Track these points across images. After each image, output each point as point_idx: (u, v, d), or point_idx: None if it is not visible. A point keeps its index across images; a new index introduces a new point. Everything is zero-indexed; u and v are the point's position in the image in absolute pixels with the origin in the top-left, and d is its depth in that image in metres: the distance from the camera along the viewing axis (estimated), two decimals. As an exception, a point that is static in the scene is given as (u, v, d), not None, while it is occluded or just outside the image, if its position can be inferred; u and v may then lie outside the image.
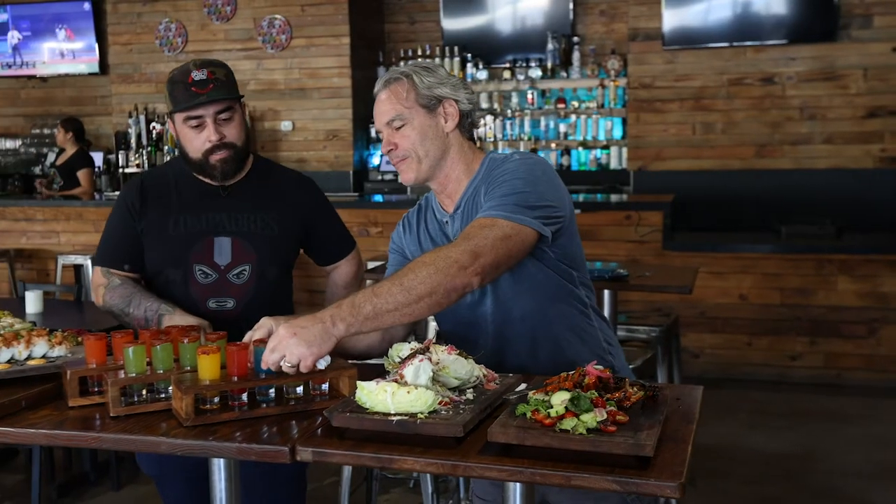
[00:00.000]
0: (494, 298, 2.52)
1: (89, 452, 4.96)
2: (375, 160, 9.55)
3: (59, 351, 2.44)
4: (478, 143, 2.64)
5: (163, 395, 2.19)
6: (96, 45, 10.25)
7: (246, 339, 2.26)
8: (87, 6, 10.20)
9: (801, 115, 8.20)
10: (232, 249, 2.90)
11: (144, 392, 2.19)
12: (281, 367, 2.10)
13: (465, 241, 2.25)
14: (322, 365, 2.16)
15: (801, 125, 8.20)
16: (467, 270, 2.19)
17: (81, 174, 8.87)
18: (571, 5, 9.10)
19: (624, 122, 8.92)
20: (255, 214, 2.95)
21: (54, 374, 2.32)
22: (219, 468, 2.18)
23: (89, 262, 7.42)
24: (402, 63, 9.47)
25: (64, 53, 10.45)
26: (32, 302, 4.95)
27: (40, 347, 2.41)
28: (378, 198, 8.28)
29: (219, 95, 2.80)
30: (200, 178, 2.96)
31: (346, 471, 3.93)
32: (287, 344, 2.09)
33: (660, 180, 8.38)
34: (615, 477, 1.76)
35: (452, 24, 9.44)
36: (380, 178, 9.37)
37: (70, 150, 9.00)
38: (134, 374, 2.15)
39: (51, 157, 10.18)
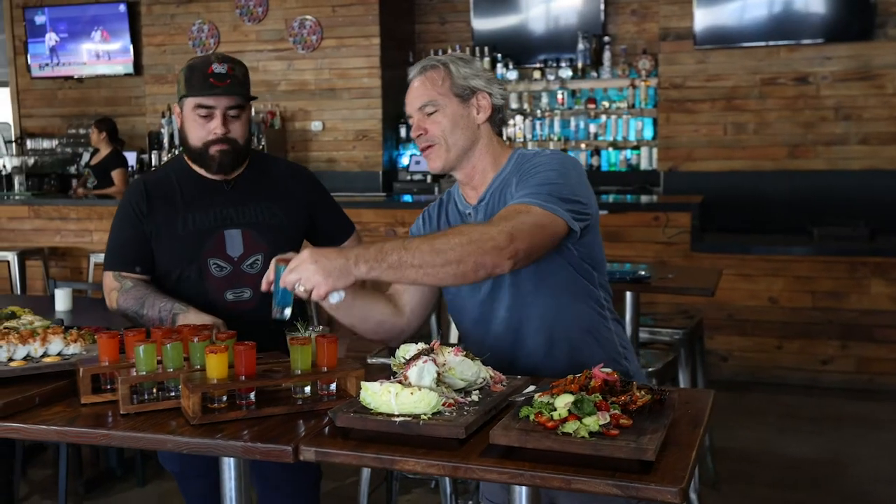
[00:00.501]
0: (513, 293, 2.51)
1: (115, 449, 5.01)
2: (405, 160, 9.57)
3: (74, 349, 2.47)
4: (507, 143, 2.64)
5: (173, 394, 2.21)
6: (131, 47, 10.35)
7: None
8: (122, 8, 10.31)
9: (835, 116, 8.12)
10: (243, 241, 2.97)
11: (155, 390, 2.21)
12: (296, 289, 2.16)
13: (503, 222, 2.24)
14: (334, 299, 2.17)
15: (836, 125, 8.11)
16: (503, 251, 2.19)
17: (115, 174, 8.95)
18: (603, 5, 9.07)
19: (654, 122, 8.88)
20: (260, 205, 3.03)
21: (69, 372, 2.35)
22: (229, 466, 2.21)
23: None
24: (433, 63, 9.48)
25: (100, 55, 10.56)
26: (62, 300, 5.00)
27: (56, 345, 2.45)
28: (407, 198, 8.30)
29: (233, 91, 2.88)
30: (202, 173, 3.03)
31: (366, 471, 3.94)
32: (306, 268, 2.13)
33: (690, 181, 8.33)
34: (616, 481, 1.75)
35: (483, 24, 9.43)
36: (409, 178, 9.39)
37: (104, 151, 9.06)
38: (144, 373, 2.17)
39: (86, 157, 10.27)
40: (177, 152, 9.30)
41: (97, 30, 10.48)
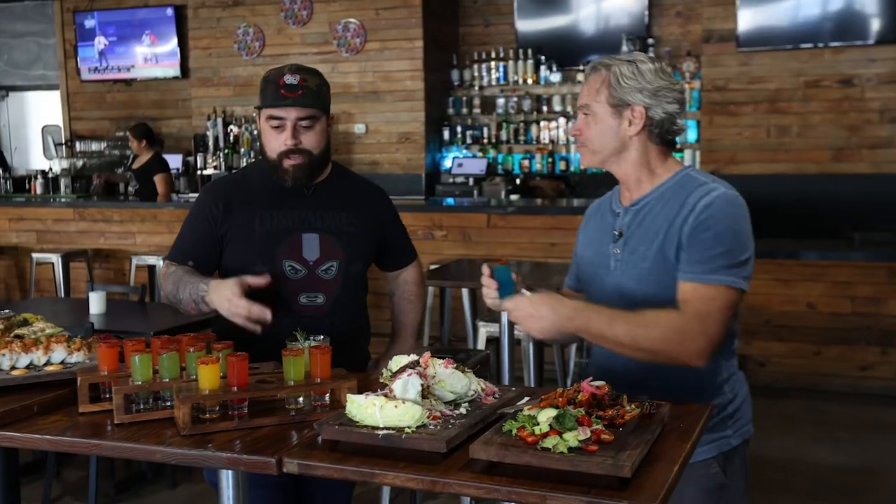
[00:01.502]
0: None
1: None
2: (447, 163, 9.58)
3: (77, 357, 2.51)
4: (677, 146, 2.62)
5: (168, 404, 2.24)
6: (178, 50, 10.48)
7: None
8: (169, 12, 10.44)
9: (880, 119, 7.98)
10: (320, 246, 2.95)
11: (151, 400, 2.24)
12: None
13: (701, 321, 2.33)
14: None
15: (881, 128, 7.98)
16: (700, 357, 2.34)
17: (158, 179, 9.03)
18: (647, 6, 9.01)
19: (698, 124, 8.79)
20: (339, 213, 3.01)
21: (71, 380, 2.39)
22: (226, 475, 2.22)
23: (161, 263, 7.59)
24: (475, 66, 9.51)
25: (148, 58, 10.71)
26: (96, 302, 5.09)
27: (59, 353, 2.48)
28: (449, 201, 8.30)
29: (304, 102, 2.85)
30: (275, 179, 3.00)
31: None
32: (524, 318, 2.37)
33: (733, 184, 7.94)
34: (591, 498, 1.75)
35: (526, 25, 9.42)
36: (451, 180, 9.40)
37: (145, 156, 9.12)
38: (140, 382, 2.21)
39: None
40: (223, 154, 9.43)
41: (145, 33, 10.63)
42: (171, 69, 10.61)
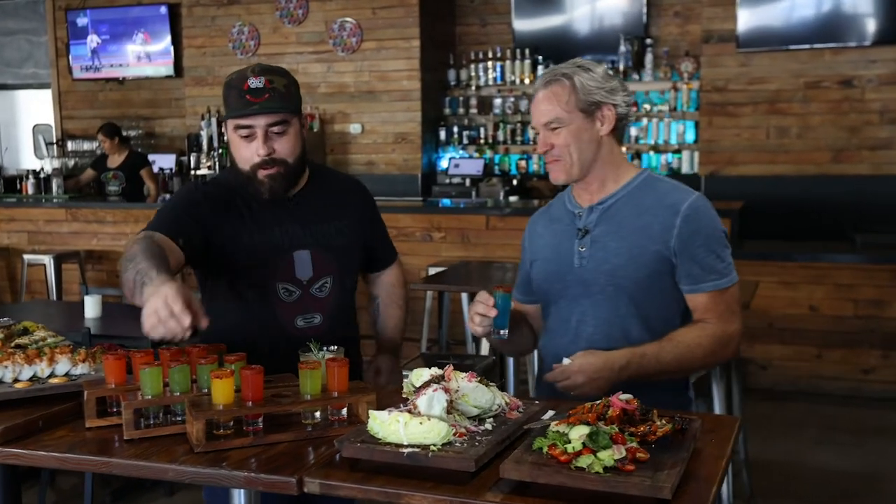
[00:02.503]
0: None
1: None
2: (444, 163, 9.50)
3: (81, 369, 2.42)
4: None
5: (179, 418, 2.16)
6: (172, 49, 10.37)
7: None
8: (163, 10, 10.33)
9: (881, 120, 7.93)
10: (312, 262, 2.74)
11: (161, 414, 2.16)
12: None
13: (729, 322, 2.55)
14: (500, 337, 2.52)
15: (881, 130, 7.93)
16: (737, 350, 2.63)
17: (145, 173, 9.12)
18: (645, 7, 8.94)
19: (696, 125, 8.73)
20: (326, 223, 2.80)
21: (76, 393, 2.30)
22: (238, 495, 2.12)
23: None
24: (471, 66, 9.42)
25: (141, 56, 10.60)
26: (91, 306, 5.00)
27: (63, 365, 2.39)
28: (446, 202, 8.22)
29: (272, 106, 2.59)
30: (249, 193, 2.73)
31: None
32: (576, 386, 2.41)
33: (732, 185, 8.18)
34: (629, 520, 1.68)
35: (524, 25, 9.34)
36: (448, 181, 9.32)
37: (121, 153, 9.21)
38: (150, 396, 2.12)
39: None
40: (217, 154, 9.33)
41: (138, 32, 10.51)
42: (165, 68, 10.49)
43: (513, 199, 8.42)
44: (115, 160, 9.22)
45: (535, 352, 4.09)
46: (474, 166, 9.23)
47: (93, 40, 10.68)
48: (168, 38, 10.38)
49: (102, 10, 10.61)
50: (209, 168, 9.51)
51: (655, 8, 9.03)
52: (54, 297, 7.87)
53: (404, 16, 9.05)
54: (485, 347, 5.04)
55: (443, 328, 6.77)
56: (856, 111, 7.99)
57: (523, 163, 9.36)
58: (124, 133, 9.56)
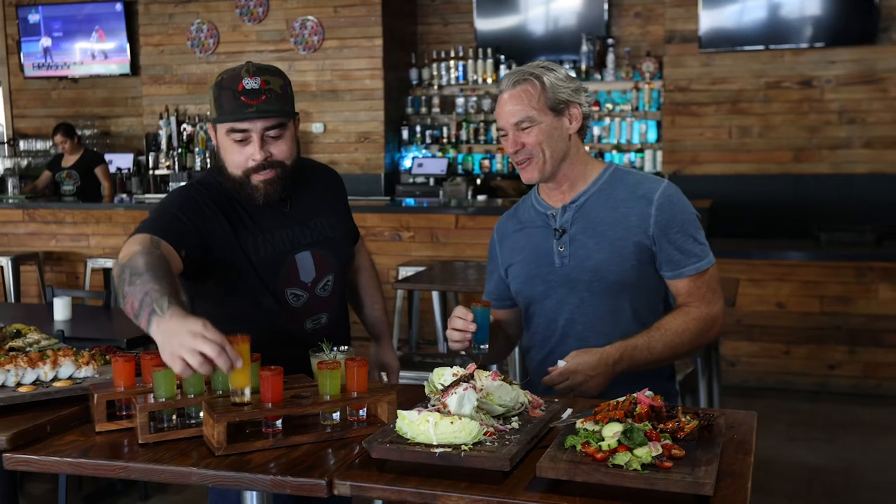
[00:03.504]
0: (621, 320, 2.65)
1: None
2: (407, 163, 9.46)
3: (85, 371, 2.35)
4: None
5: (193, 421, 2.10)
6: (128, 46, 10.20)
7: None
8: (118, 7, 10.16)
9: (839, 120, 8.04)
10: (314, 263, 2.66)
11: (175, 417, 2.10)
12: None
13: (711, 304, 2.61)
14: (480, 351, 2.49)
15: (840, 129, 8.03)
16: (721, 329, 2.67)
17: (100, 170, 9.04)
18: (606, 6, 8.97)
19: (659, 125, 8.79)
20: (319, 219, 2.73)
21: (81, 397, 2.24)
22: (251, 498, 2.08)
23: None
24: (434, 65, 9.39)
25: (95, 54, 10.42)
26: (60, 309, 4.89)
27: (66, 368, 2.33)
28: (409, 201, 8.18)
29: (270, 110, 2.47)
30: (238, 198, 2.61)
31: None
32: (576, 386, 2.43)
33: (695, 185, 8.21)
34: (673, 518, 1.66)
35: (486, 24, 9.33)
36: (411, 180, 9.28)
37: (76, 153, 9.17)
38: (164, 399, 2.07)
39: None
40: (176, 154, 9.20)
41: (93, 29, 10.33)
42: (120, 66, 10.33)
43: (480, 198, 8.40)
44: (69, 160, 9.11)
45: (516, 351, 4.11)
46: (438, 166, 9.20)
47: (45, 37, 10.48)
48: (124, 36, 10.21)
49: (55, 7, 10.40)
50: (168, 168, 9.39)
51: (617, 8, 9.07)
52: (12, 300, 7.70)
53: (366, 14, 8.99)
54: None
55: (413, 328, 6.75)
56: (815, 111, 8.08)
57: (487, 162, 9.35)
58: (79, 132, 9.45)
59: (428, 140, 9.50)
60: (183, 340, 1.94)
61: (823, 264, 6.66)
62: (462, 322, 2.47)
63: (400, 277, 6.39)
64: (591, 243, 2.59)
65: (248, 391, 2.04)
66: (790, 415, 6.19)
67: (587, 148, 2.87)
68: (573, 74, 8.88)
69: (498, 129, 2.65)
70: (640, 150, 8.91)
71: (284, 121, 2.53)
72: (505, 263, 2.79)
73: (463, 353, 2.56)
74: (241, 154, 2.51)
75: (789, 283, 6.70)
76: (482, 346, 2.48)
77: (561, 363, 2.45)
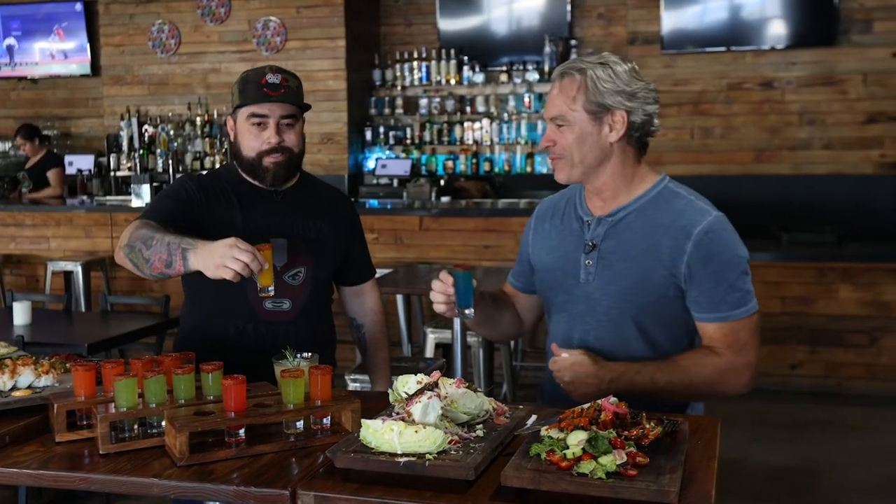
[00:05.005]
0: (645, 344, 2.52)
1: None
2: (370, 164, 9.43)
3: (45, 380, 2.32)
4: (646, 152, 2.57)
5: (155, 430, 2.08)
6: (88, 46, 10.10)
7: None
8: (78, 7, 10.05)
9: (800, 121, 8.10)
10: (288, 251, 2.89)
11: (136, 427, 2.08)
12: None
13: (740, 355, 2.47)
14: (467, 317, 2.48)
15: (801, 130, 8.10)
16: (745, 387, 2.55)
17: (51, 174, 8.96)
18: (569, 8, 8.99)
19: (622, 126, 8.81)
20: (308, 220, 2.97)
21: (41, 406, 2.21)
22: (215, 507, 2.07)
23: (80, 269, 7.30)
24: (397, 66, 9.37)
25: (55, 54, 10.30)
26: (20, 313, 4.83)
27: (26, 377, 2.30)
28: (374, 203, 8.16)
29: (287, 100, 2.84)
30: (253, 182, 2.95)
31: None
32: (565, 382, 2.36)
33: (658, 186, 8.27)
34: (637, 527, 1.67)
35: (449, 25, 9.32)
36: (375, 181, 9.25)
37: (39, 153, 9.12)
38: (125, 409, 2.05)
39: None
40: (138, 155, 9.13)
41: (52, 29, 10.22)
42: (80, 66, 10.22)
43: (444, 199, 8.39)
44: (31, 162, 9.05)
45: (480, 354, 4.09)
46: (401, 167, 9.17)
47: (9, 38, 10.36)
48: (84, 36, 10.10)
49: (13, 6, 10.27)
50: (130, 169, 9.30)
51: (579, 9, 9.09)
52: (-29, 304, 7.61)
53: (329, 15, 8.95)
54: (430, 349, 5.01)
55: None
56: (776, 112, 8.15)
57: (450, 163, 9.34)
58: (47, 133, 9.39)
59: (391, 141, 9.48)
60: (224, 253, 2.41)
61: (785, 265, 6.72)
62: (441, 285, 2.42)
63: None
64: (620, 266, 2.44)
65: (272, 289, 2.52)
66: (752, 415, 6.23)
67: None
68: (536, 76, 8.89)
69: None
70: (604, 151, 8.91)
71: (297, 112, 2.90)
72: (534, 254, 2.67)
73: (449, 315, 2.51)
74: (257, 138, 2.85)
75: (752, 283, 6.74)
76: (467, 311, 2.44)
77: (564, 354, 2.38)
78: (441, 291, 2.42)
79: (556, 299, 2.58)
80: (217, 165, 8.97)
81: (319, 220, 3.00)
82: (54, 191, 8.97)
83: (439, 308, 2.46)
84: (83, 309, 7.18)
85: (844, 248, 6.87)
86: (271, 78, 2.84)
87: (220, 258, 2.40)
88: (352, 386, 4.08)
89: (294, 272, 2.90)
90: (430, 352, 4.97)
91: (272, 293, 2.54)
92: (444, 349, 5.02)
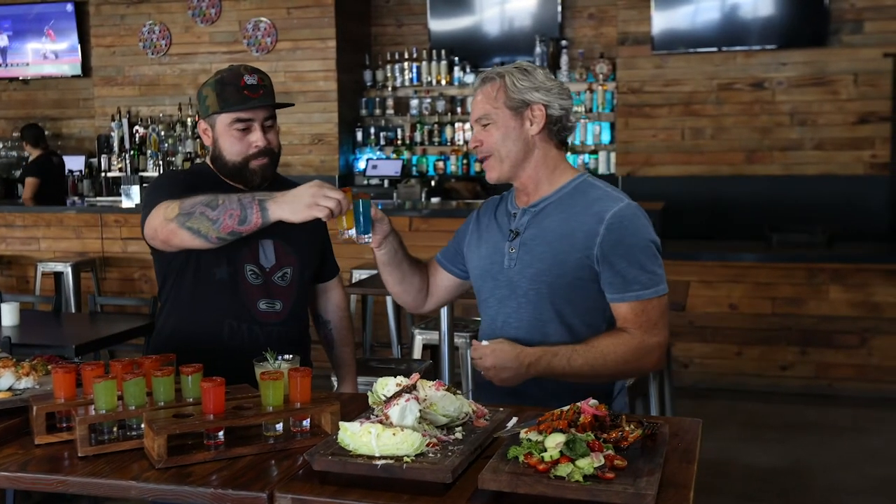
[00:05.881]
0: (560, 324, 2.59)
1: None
2: (361, 164, 9.43)
3: (26, 382, 2.32)
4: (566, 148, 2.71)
5: (135, 433, 2.08)
6: (79, 47, 10.09)
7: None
8: (69, 7, 10.04)
9: (791, 121, 8.11)
10: (275, 251, 2.87)
11: (115, 429, 2.08)
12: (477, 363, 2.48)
13: (650, 334, 2.51)
14: (365, 241, 2.61)
15: (792, 131, 8.11)
16: (657, 365, 2.59)
17: (27, 181, 8.95)
18: (560, 8, 8.99)
19: (612, 126, 8.83)
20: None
21: (21, 408, 2.20)
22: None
23: (70, 270, 7.28)
24: (388, 66, 9.37)
25: (46, 55, 10.29)
26: (8, 314, 4.83)
27: (6, 379, 2.29)
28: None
29: (269, 101, 2.81)
30: (231, 184, 2.88)
31: None
32: (486, 367, 2.44)
33: (649, 186, 8.28)
34: (613, 529, 1.66)
35: (439, 25, 9.32)
36: (366, 182, 9.26)
37: (34, 154, 9.15)
38: (104, 411, 2.04)
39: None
40: (129, 156, 9.11)
41: (43, 29, 10.20)
42: (71, 66, 10.21)
43: (435, 200, 8.39)
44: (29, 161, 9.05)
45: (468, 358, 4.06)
46: (392, 167, 9.18)
47: (3, 39, 10.34)
48: (75, 37, 10.09)
49: (4, 7, 10.27)
50: (121, 170, 9.29)
51: (570, 10, 9.09)
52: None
53: (320, 16, 8.95)
54: (417, 350, 5.00)
55: (367, 331, 6.73)
56: (767, 113, 8.16)
57: (441, 164, 9.34)
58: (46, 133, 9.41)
59: (382, 142, 9.48)
60: (314, 193, 2.45)
61: (775, 266, 6.72)
62: (336, 203, 2.45)
63: (353, 281, 6.36)
64: (538, 251, 2.57)
65: (352, 232, 2.55)
66: (743, 416, 6.25)
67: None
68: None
69: (471, 126, 2.67)
70: (595, 152, 8.94)
71: (275, 113, 2.88)
72: (468, 246, 2.79)
73: (345, 235, 2.56)
74: (242, 142, 2.79)
75: (741, 284, 6.76)
76: (366, 238, 2.58)
77: (484, 343, 2.48)
78: (332, 207, 2.45)
79: (483, 287, 2.70)
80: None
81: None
82: (27, 198, 8.89)
83: (322, 212, 2.45)
84: (73, 310, 7.16)
85: (835, 249, 6.88)
86: (249, 79, 2.78)
87: (312, 198, 2.44)
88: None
89: (282, 273, 2.88)
90: (417, 353, 4.96)
91: (353, 237, 2.55)
92: (432, 350, 5.01)
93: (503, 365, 2.42)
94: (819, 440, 5.74)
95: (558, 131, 2.60)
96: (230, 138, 2.80)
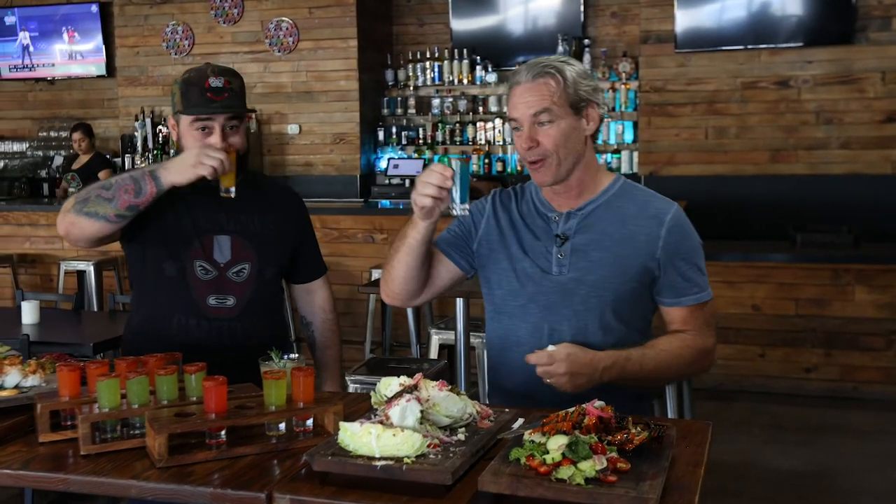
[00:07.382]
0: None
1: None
2: (383, 164, 9.42)
3: (32, 380, 2.31)
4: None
5: (137, 431, 2.07)
6: (103, 48, 10.14)
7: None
8: (94, 8, 10.10)
9: (816, 120, 8.04)
10: (231, 247, 2.86)
11: (119, 427, 2.07)
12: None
13: (708, 336, 2.52)
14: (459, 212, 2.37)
15: (817, 130, 8.04)
16: (711, 365, 2.59)
17: (103, 175, 8.90)
18: (582, 7, 8.96)
19: (635, 125, 8.78)
20: (252, 217, 2.92)
21: (27, 406, 2.20)
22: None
23: (92, 269, 7.33)
24: (409, 66, 9.36)
25: (72, 55, 10.35)
26: (29, 312, 4.85)
27: (13, 377, 2.29)
28: (385, 203, 8.15)
29: (232, 105, 2.78)
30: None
31: None
32: (557, 374, 2.26)
33: (671, 185, 8.20)
34: (614, 533, 1.64)
35: (461, 25, 9.31)
36: (387, 181, 9.25)
37: (88, 154, 9.07)
38: (107, 409, 2.04)
39: (57, 161, 10.08)
40: (152, 156, 9.15)
41: (68, 30, 10.26)
42: (96, 67, 10.26)
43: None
44: (80, 161, 9.06)
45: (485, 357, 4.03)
46: (414, 167, 9.15)
47: (24, 38, 10.41)
48: (99, 37, 10.15)
49: (31, 8, 10.34)
50: (144, 169, 9.32)
51: (592, 8, 9.05)
52: (-15, 303, 7.66)
53: (341, 15, 8.96)
54: (434, 350, 4.98)
55: (386, 330, 6.71)
56: (792, 111, 8.08)
57: (463, 163, 9.30)
58: (62, 133, 9.38)
59: (404, 141, 9.47)
60: (198, 153, 2.62)
61: (799, 266, 6.64)
62: (439, 177, 2.28)
63: (373, 279, 6.36)
64: (596, 256, 2.47)
65: (233, 190, 2.71)
66: (765, 418, 6.18)
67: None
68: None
69: (510, 123, 2.47)
70: (617, 151, 8.89)
71: (241, 116, 2.83)
72: (486, 240, 2.62)
73: (433, 211, 2.35)
74: (202, 143, 2.77)
75: (765, 285, 6.69)
76: (464, 206, 2.34)
77: (551, 348, 2.31)
78: (438, 183, 2.29)
79: (522, 291, 2.55)
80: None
81: (266, 216, 2.94)
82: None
83: (425, 201, 2.31)
84: (94, 308, 7.20)
85: (861, 250, 6.78)
86: (214, 81, 2.74)
87: (195, 157, 2.60)
88: (352, 387, 4.06)
89: (238, 268, 2.86)
90: (434, 353, 4.94)
91: (233, 195, 2.71)
92: (448, 350, 4.98)
93: (579, 371, 2.28)
94: (842, 443, 5.68)
95: (596, 132, 2.51)
96: (191, 138, 2.79)
